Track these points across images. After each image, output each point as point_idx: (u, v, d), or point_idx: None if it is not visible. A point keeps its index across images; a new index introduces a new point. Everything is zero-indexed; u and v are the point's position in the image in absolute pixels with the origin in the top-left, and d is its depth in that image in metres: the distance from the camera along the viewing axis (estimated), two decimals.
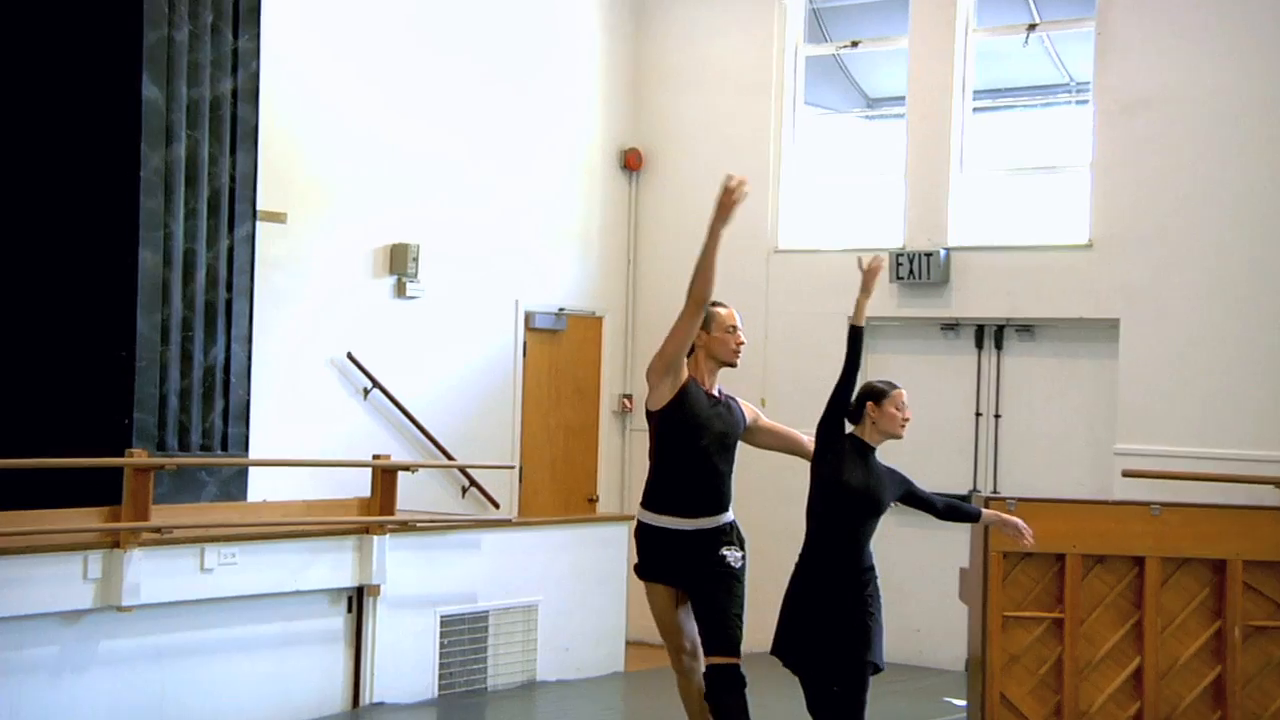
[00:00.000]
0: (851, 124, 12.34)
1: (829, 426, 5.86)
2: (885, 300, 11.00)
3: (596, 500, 11.96)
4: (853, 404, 5.90)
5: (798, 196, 11.77)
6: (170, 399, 8.65)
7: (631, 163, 12.22)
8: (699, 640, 5.87)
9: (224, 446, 8.91)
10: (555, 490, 11.65)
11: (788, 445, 6.29)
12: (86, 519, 6.77)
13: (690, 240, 11.92)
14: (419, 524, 8.39)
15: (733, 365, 6.04)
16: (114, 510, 6.85)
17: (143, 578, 6.84)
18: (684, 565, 5.82)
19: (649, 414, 5.94)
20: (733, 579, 5.86)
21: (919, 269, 10.78)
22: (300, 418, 9.62)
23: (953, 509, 6.35)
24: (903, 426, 5.99)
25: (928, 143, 11.02)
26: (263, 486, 9.02)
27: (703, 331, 5.88)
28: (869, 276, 6.14)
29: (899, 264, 10.85)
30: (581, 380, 11.91)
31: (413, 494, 9.87)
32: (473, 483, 10.65)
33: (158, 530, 6.83)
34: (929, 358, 11.08)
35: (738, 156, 11.74)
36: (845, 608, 5.77)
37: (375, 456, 8.33)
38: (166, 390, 8.64)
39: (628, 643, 10.06)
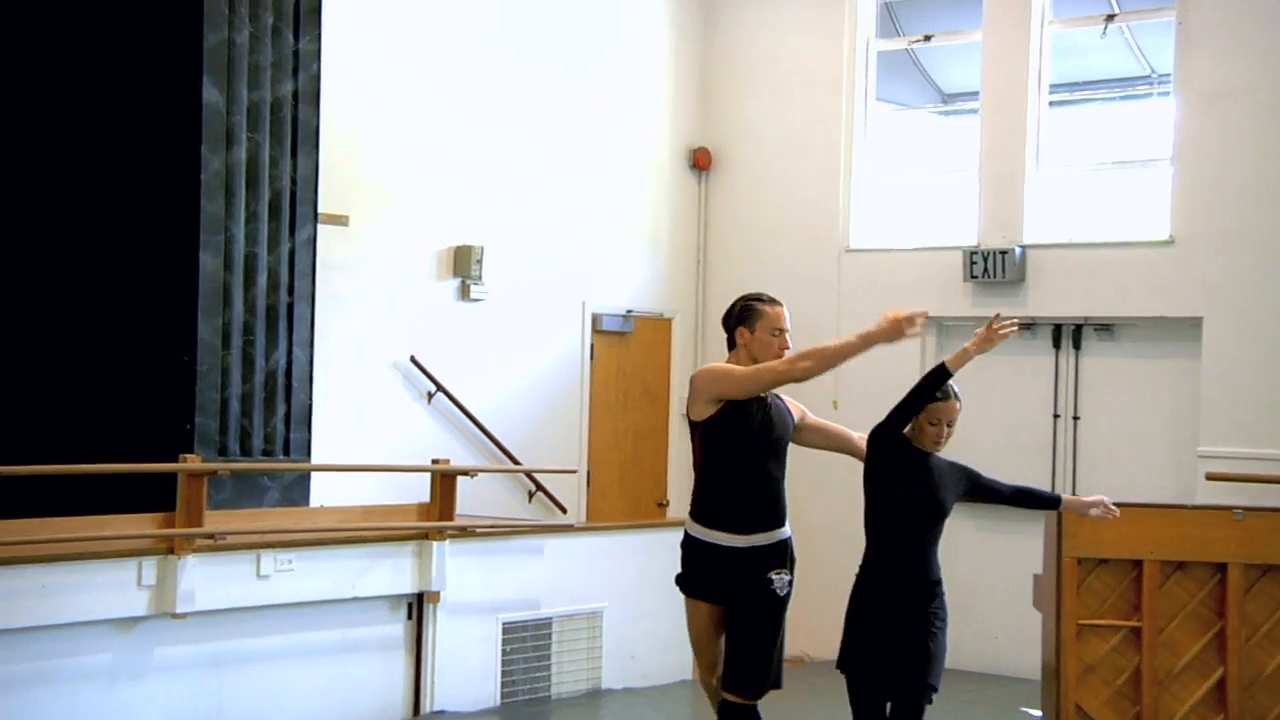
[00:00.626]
0: (924, 120, 12.12)
1: (881, 439, 5.62)
2: (959, 299, 10.79)
3: (667, 505, 11.82)
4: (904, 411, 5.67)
5: (869, 194, 11.57)
6: (232, 404, 8.61)
7: (701, 162, 12.08)
8: None
9: (286, 451, 8.87)
10: (624, 495, 11.52)
11: (838, 444, 6.02)
12: (140, 525, 6.73)
13: (761, 239, 11.92)
14: (478, 529, 8.28)
15: None
16: (168, 516, 6.80)
17: (197, 584, 6.79)
18: (730, 585, 5.49)
19: (692, 424, 5.57)
20: (777, 609, 5.50)
21: (994, 267, 10.55)
22: (363, 422, 9.57)
23: (1025, 494, 6.08)
24: (940, 440, 5.88)
25: (1003, 138, 10.78)
26: (325, 492, 8.95)
27: (745, 329, 5.54)
28: (989, 338, 5.80)
29: (973, 262, 10.62)
30: (650, 383, 11.78)
31: (479, 499, 9.79)
32: (539, 487, 10.55)
33: (211, 537, 6.75)
34: (1004, 359, 10.78)
35: (808, 154, 11.61)
36: (908, 625, 5.50)
37: (434, 461, 8.24)
38: (228, 395, 8.60)
39: None
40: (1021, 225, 10.64)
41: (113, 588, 6.59)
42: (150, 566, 6.69)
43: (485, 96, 10.42)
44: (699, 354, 12.06)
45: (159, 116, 8.65)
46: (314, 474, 8.85)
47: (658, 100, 11.85)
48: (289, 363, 8.85)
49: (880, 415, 10.95)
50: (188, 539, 6.71)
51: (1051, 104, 10.83)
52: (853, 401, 11.24)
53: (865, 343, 5.52)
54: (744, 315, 5.51)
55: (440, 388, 9.89)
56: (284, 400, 8.82)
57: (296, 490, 8.86)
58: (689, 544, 5.63)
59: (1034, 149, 10.72)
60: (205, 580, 6.86)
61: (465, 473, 8.22)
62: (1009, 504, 6.00)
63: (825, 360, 5.51)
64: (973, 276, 10.64)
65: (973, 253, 10.64)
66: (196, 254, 8.49)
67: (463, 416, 10.09)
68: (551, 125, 10.91)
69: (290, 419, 8.87)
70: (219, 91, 8.60)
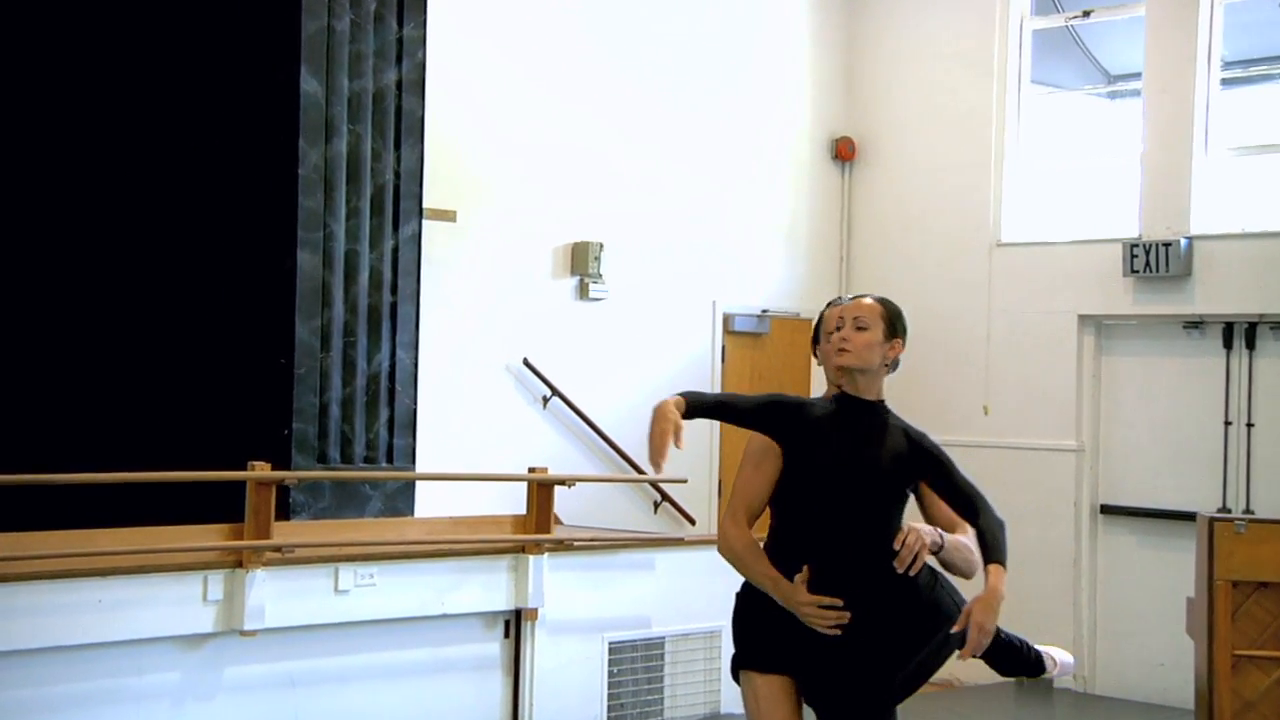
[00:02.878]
0: (1084, 103, 11.39)
1: None
2: (1119, 296, 10.10)
3: None
4: None
5: (1023, 185, 10.90)
6: (332, 408, 8.35)
7: (844, 152, 11.53)
8: None
9: (389, 459, 8.58)
10: None
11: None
12: (206, 536, 6.47)
13: (907, 234, 11.33)
14: (578, 543, 7.87)
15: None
16: (236, 528, 6.51)
17: (267, 600, 6.50)
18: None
19: None
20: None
21: (1157, 261, 9.82)
22: (472, 428, 9.25)
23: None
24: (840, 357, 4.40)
25: (1168, 120, 10.05)
26: (431, 502, 8.65)
27: (816, 348, 4.70)
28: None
29: (1134, 255, 9.91)
30: (788, 387, 11.24)
31: (600, 510, 9.44)
32: (665, 498, 10.12)
33: (278, 549, 6.45)
34: (1170, 360, 10.09)
35: (957, 143, 11.03)
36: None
37: (530, 470, 7.85)
38: (328, 399, 8.33)
39: None
40: (1188, 215, 9.90)
41: (177, 603, 6.33)
42: (217, 581, 6.41)
43: (604, 83, 10.03)
44: None
45: (256, 109, 8.42)
46: (419, 483, 8.55)
47: (797, 87, 11.34)
48: (392, 366, 8.55)
49: (1035, 416, 10.38)
50: (256, 552, 6.40)
51: (1223, 83, 10.07)
52: (1004, 407, 10.63)
53: (772, 588, 4.32)
54: (814, 332, 4.74)
55: (556, 392, 9.53)
56: (387, 405, 8.53)
57: (401, 500, 8.57)
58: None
59: (1203, 132, 9.97)
60: (277, 595, 6.56)
61: (562, 482, 7.81)
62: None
63: (739, 563, 4.45)
64: (1133, 271, 9.92)
65: (1133, 245, 9.93)
66: (294, 252, 8.23)
67: (581, 423, 9.71)
68: (679, 113, 10.47)
69: (394, 425, 8.58)
70: (318, 82, 8.34)
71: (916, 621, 4.32)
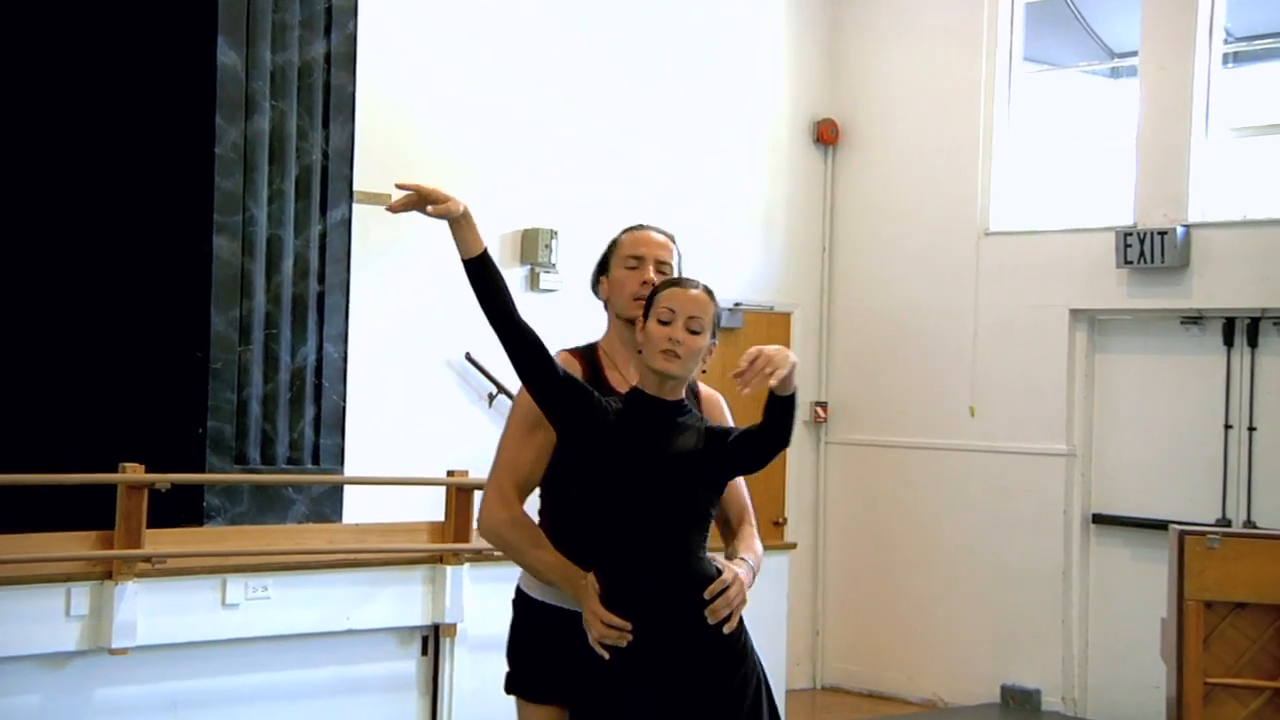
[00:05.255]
0: (1082, 81, 10.84)
1: None
2: (1112, 289, 9.59)
3: (784, 524, 10.80)
4: None
5: (1013, 170, 10.38)
6: (251, 405, 7.92)
7: (826, 136, 11.03)
8: None
9: (315, 460, 8.17)
10: None
11: None
12: (71, 545, 6.01)
13: (892, 222, 10.81)
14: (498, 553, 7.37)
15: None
16: (107, 535, 6.04)
17: (140, 614, 6.03)
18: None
19: None
20: None
21: (1151, 251, 9.31)
22: (409, 427, 8.81)
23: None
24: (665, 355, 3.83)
25: (1165, 100, 9.55)
26: (362, 506, 8.21)
27: (604, 278, 4.09)
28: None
29: (1127, 245, 9.39)
30: (764, 385, 10.72)
31: None
32: None
33: (148, 559, 5.99)
34: (1166, 358, 9.56)
35: (945, 125, 10.53)
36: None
37: (449, 473, 7.36)
38: (247, 396, 7.91)
39: (788, 692, 8.86)
40: (1186, 201, 9.39)
41: (37, 618, 5.88)
42: (82, 594, 5.96)
43: (558, 56, 9.59)
44: (824, 353, 11.05)
45: (168, 82, 7.99)
46: (347, 488, 8.11)
47: (775, 64, 10.88)
48: (319, 360, 8.13)
49: (1025, 415, 9.86)
50: (129, 563, 5.94)
51: (1226, 59, 9.54)
52: (991, 408, 10.12)
53: (559, 578, 3.82)
54: (602, 261, 4.08)
55: (502, 389, 9.05)
56: (313, 402, 8.11)
57: (328, 504, 8.15)
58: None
59: (1202, 112, 9.47)
60: (152, 610, 6.12)
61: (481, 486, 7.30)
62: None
63: (511, 549, 3.92)
64: (1127, 262, 9.40)
65: (1127, 234, 9.40)
66: (210, 237, 7.80)
67: None
68: (643, 90, 10.02)
69: (320, 424, 8.16)
70: (237, 54, 7.90)
71: (722, 675, 3.77)
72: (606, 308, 4.01)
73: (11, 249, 8.08)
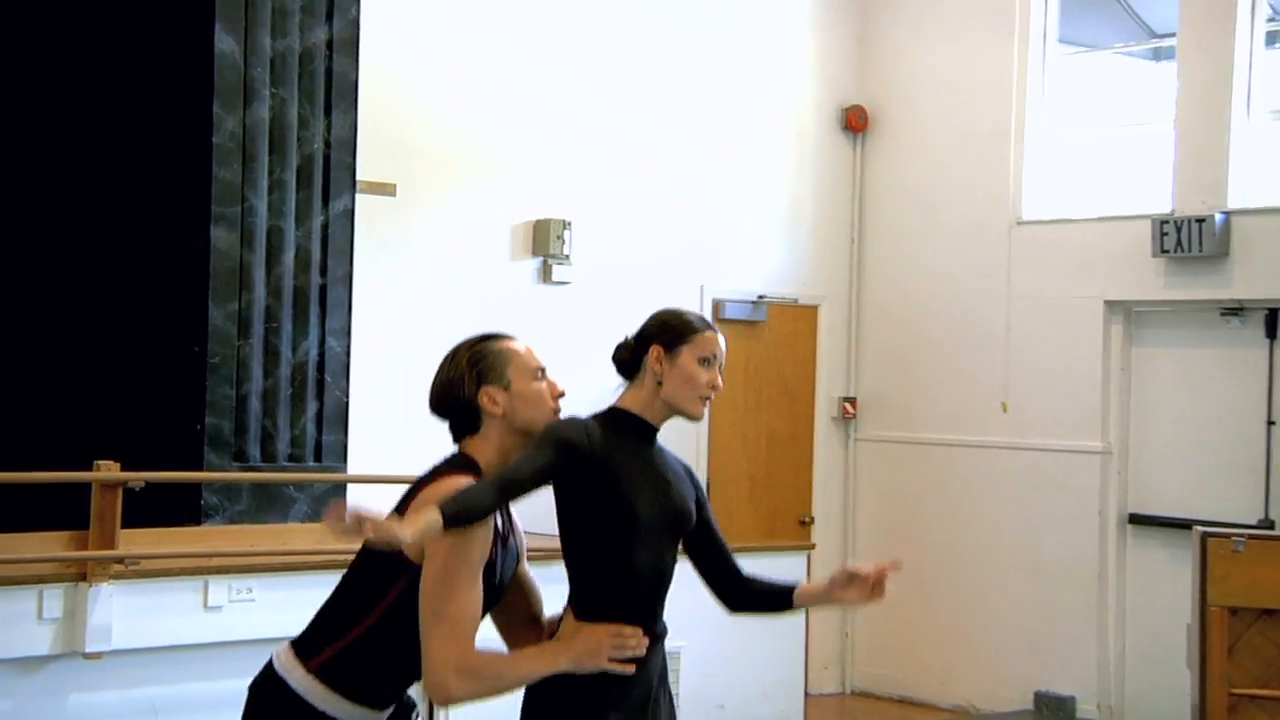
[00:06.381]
0: (1121, 64, 10.55)
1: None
2: (1148, 279, 9.32)
3: (811, 523, 10.59)
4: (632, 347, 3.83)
5: (1047, 156, 10.11)
6: (251, 401, 7.81)
7: (854, 123, 10.80)
8: None
9: (318, 457, 8.05)
10: (755, 511, 10.33)
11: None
12: (44, 545, 5.89)
13: (927, 211, 10.56)
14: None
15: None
16: (81, 535, 5.90)
17: (115, 617, 5.90)
18: None
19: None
20: None
21: (1189, 239, 9.03)
22: (418, 424, 8.56)
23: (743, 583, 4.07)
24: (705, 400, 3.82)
25: (1204, 82, 9.28)
26: (368, 504, 8.01)
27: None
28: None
29: (1164, 234, 9.10)
30: (790, 380, 10.55)
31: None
32: None
33: (120, 560, 5.84)
34: (1205, 351, 9.28)
35: (976, 110, 10.31)
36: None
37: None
38: (246, 391, 7.80)
39: (814, 696, 8.70)
40: (1225, 187, 9.12)
41: (8, 621, 5.76)
42: (55, 596, 5.84)
43: (574, 38, 9.42)
44: (852, 347, 10.83)
45: (165, 70, 7.88)
46: (351, 486, 7.95)
47: (802, 48, 10.65)
48: (321, 355, 8.00)
49: (1058, 414, 9.60)
50: (104, 564, 5.79)
51: (1269, 38, 9.27)
52: (1024, 404, 9.86)
53: (547, 665, 3.57)
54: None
55: None
56: (315, 398, 7.99)
57: (329, 504, 7.97)
58: None
59: (1244, 94, 9.18)
60: (128, 612, 6.00)
61: None
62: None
63: (499, 683, 3.56)
64: (1164, 251, 9.12)
65: (1164, 222, 9.12)
66: (208, 228, 7.68)
67: None
68: (664, 75, 9.84)
69: (323, 420, 8.04)
70: (235, 40, 7.79)
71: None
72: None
73: (4, 241, 7.96)
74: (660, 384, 3.74)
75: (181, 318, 7.79)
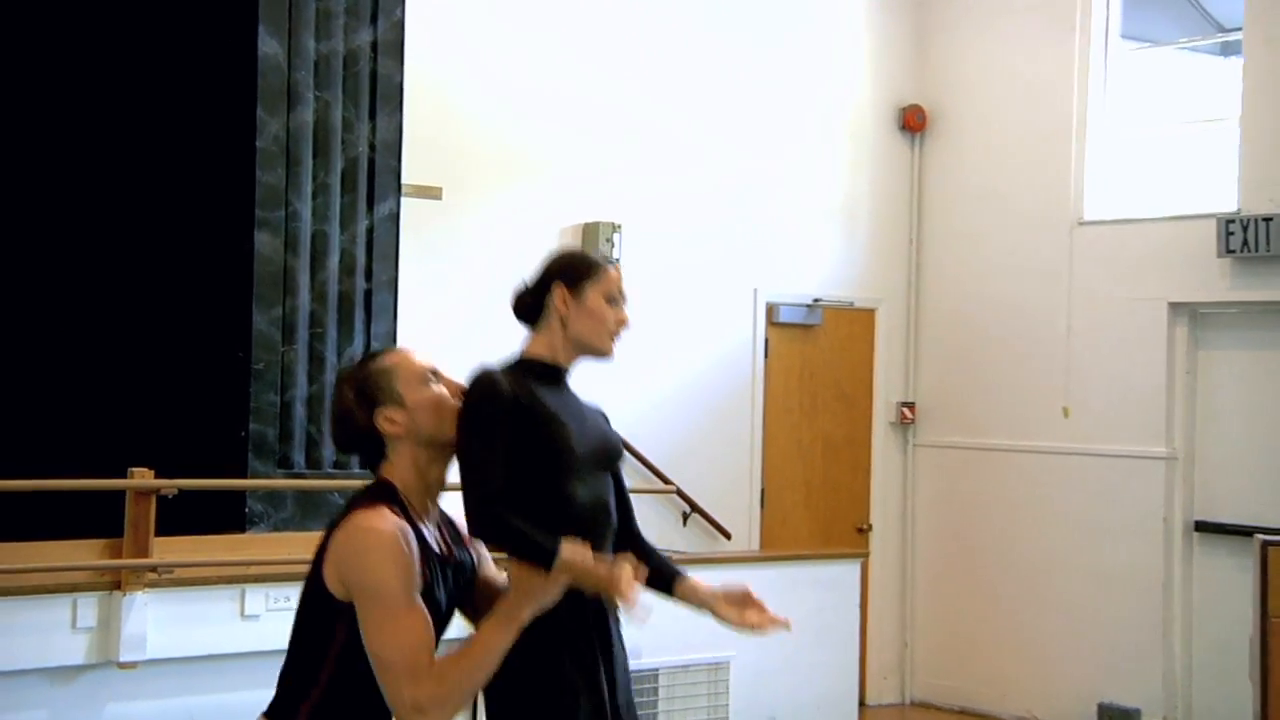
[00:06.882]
0: (1187, 60, 10.34)
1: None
2: (1213, 280, 9.11)
3: (869, 530, 10.42)
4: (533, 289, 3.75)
5: (1109, 155, 9.92)
6: (295, 408, 7.80)
7: (912, 122, 10.64)
8: None
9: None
10: (812, 517, 10.19)
11: None
12: (78, 554, 5.86)
13: (987, 212, 10.38)
14: None
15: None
16: (115, 544, 5.87)
17: (150, 626, 5.86)
18: None
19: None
20: None
21: (1256, 239, 8.83)
22: None
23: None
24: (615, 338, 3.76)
25: (1272, 76, 9.06)
26: None
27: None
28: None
29: (1229, 233, 8.89)
30: (846, 385, 10.40)
31: None
32: (695, 509, 9.33)
33: (154, 568, 5.80)
34: (1272, 353, 9.09)
35: (1035, 108, 10.11)
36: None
37: None
38: (290, 398, 7.79)
39: (863, 706, 8.55)
40: None
41: (42, 630, 5.71)
42: (89, 605, 5.80)
43: (623, 38, 9.34)
44: (911, 351, 10.67)
45: (208, 74, 7.88)
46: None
47: (856, 50, 10.52)
48: None
49: (1123, 417, 9.39)
50: (136, 572, 5.75)
51: None
52: (1086, 409, 9.67)
53: (509, 625, 3.36)
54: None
55: None
56: None
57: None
58: None
59: None
60: (164, 622, 5.96)
61: None
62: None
63: (479, 673, 3.32)
64: (1229, 251, 8.91)
65: (1229, 221, 8.91)
66: (252, 233, 7.69)
67: None
68: (716, 74, 9.73)
69: None
70: (278, 43, 7.79)
71: None
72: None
73: (50, 248, 7.96)
74: (565, 325, 3.67)
75: (225, 323, 7.78)
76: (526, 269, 8.81)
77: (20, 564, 5.71)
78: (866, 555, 8.97)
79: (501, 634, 3.35)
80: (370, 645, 3.26)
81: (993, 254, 10.24)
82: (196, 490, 6.46)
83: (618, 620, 3.66)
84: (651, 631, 7.51)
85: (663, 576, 3.79)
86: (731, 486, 9.71)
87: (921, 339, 10.66)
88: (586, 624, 3.55)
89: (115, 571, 5.85)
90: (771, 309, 9.94)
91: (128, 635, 5.82)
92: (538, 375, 3.65)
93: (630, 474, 9.04)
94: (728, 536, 9.51)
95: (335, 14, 7.95)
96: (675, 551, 8.45)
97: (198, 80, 7.83)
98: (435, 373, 3.56)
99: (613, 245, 9.06)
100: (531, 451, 3.50)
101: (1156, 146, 10.00)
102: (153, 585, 5.90)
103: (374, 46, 8.06)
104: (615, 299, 3.73)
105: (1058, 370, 9.82)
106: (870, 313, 10.54)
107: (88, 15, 7.86)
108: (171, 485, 5.92)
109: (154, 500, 5.89)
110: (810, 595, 8.19)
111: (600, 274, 3.72)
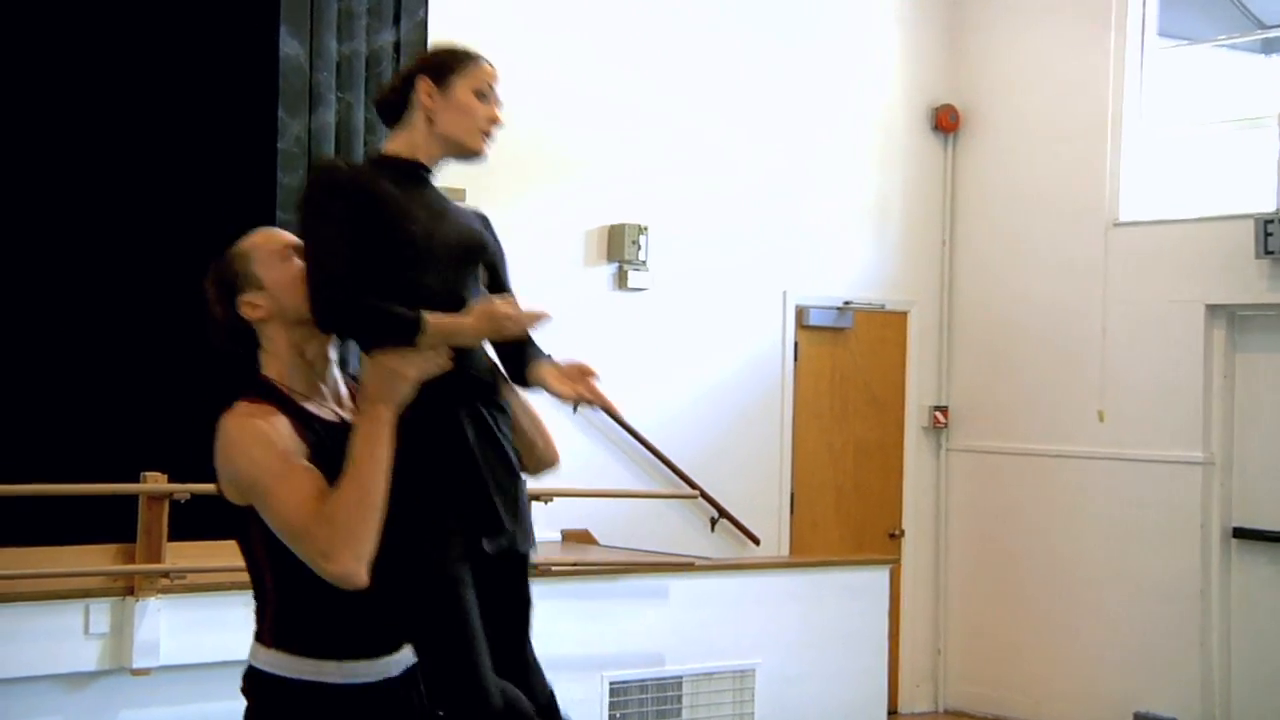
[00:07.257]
0: (1226, 58, 10.19)
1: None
2: (1251, 282, 8.98)
3: (901, 535, 10.32)
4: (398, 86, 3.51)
5: (1145, 155, 9.79)
6: None
7: (945, 122, 10.54)
8: None
9: None
10: (843, 523, 10.09)
11: None
12: (90, 559, 5.83)
13: (1021, 213, 10.26)
14: (556, 568, 7.07)
15: None
16: (128, 548, 5.83)
17: (163, 633, 5.82)
18: None
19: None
20: None
21: None
22: None
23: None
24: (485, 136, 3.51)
25: None
26: None
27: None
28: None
29: (1268, 234, 8.75)
30: (878, 388, 10.30)
31: (641, 526, 8.69)
32: (723, 514, 9.25)
33: (166, 574, 5.76)
34: None
35: (1070, 107, 9.99)
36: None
37: None
38: None
39: (895, 714, 8.45)
40: None
41: (53, 636, 5.69)
42: (101, 611, 5.77)
43: (650, 36, 9.28)
44: (944, 354, 10.56)
45: (229, 75, 7.88)
46: None
47: (888, 49, 10.43)
48: None
49: (1158, 420, 9.27)
50: (149, 577, 5.71)
51: None
52: (1121, 413, 9.55)
53: (378, 419, 3.21)
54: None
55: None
56: None
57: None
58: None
59: None
60: (178, 628, 5.93)
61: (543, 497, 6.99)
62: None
63: (361, 510, 3.14)
64: (1268, 252, 8.79)
65: (1268, 222, 8.79)
66: None
67: (622, 431, 8.88)
68: (745, 73, 9.66)
69: None
70: (300, 44, 7.79)
71: None
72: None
73: (67, 250, 7.94)
74: (432, 120, 3.42)
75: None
76: (550, 269, 8.74)
77: (32, 569, 5.69)
78: (896, 562, 8.88)
79: (371, 443, 3.16)
80: (272, 527, 3.17)
81: (1027, 256, 10.13)
82: (210, 495, 6.36)
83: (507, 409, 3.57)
84: (676, 639, 7.52)
85: (522, 360, 3.68)
86: (761, 492, 9.63)
87: (954, 342, 10.55)
88: (476, 408, 3.41)
89: (128, 577, 5.83)
90: (801, 312, 9.85)
91: (141, 641, 5.79)
92: (393, 170, 3.39)
93: (656, 479, 9.04)
94: (756, 542, 9.43)
95: (358, 15, 7.93)
96: (702, 557, 8.39)
97: (219, 82, 7.82)
98: (295, 248, 3.32)
99: (639, 247, 9.00)
100: (375, 242, 3.26)
101: (1193, 146, 9.87)
102: (166, 591, 5.87)
103: (397, 47, 8.04)
104: (486, 95, 3.47)
105: (1093, 374, 9.70)
106: (902, 315, 10.44)
107: (109, 17, 7.84)
108: (185, 490, 5.89)
109: (167, 505, 5.86)
110: (838, 602, 8.12)
111: (470, 67, 3.46)
